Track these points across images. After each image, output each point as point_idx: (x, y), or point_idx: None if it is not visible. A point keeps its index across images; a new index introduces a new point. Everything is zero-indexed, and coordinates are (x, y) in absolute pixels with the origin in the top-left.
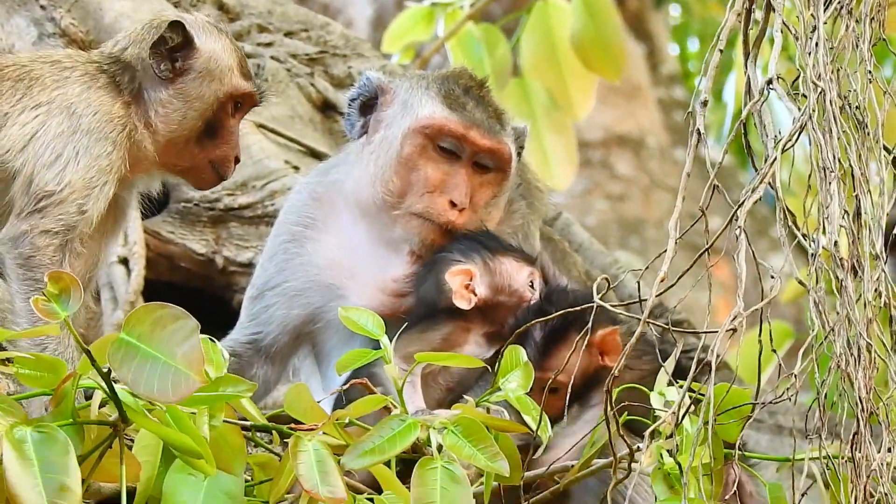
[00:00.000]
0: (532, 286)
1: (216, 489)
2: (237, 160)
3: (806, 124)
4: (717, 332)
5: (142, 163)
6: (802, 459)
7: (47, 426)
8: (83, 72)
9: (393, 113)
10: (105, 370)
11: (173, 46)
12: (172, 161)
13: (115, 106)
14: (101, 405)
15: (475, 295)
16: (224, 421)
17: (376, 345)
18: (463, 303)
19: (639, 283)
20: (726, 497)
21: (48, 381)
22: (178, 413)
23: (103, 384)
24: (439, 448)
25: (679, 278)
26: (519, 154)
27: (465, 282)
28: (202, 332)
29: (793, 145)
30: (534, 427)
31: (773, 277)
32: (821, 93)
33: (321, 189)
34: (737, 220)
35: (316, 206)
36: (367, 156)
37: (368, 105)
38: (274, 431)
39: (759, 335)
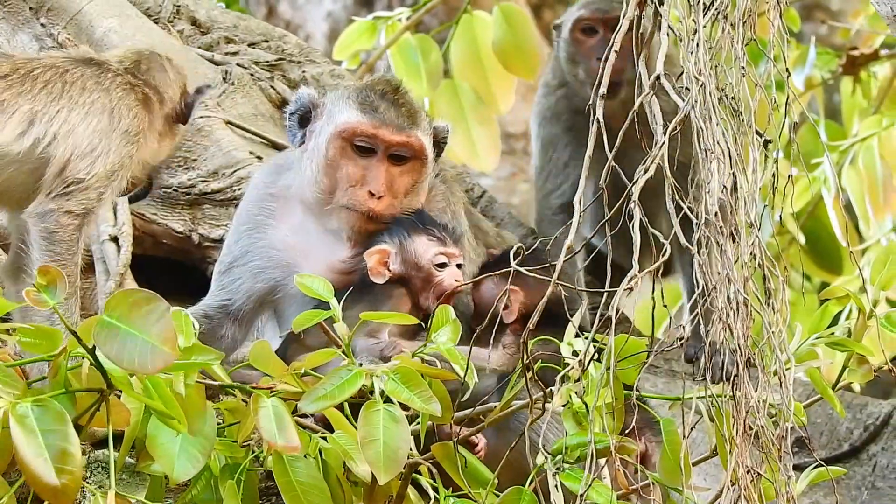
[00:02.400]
0: (441, 265)
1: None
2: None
3: (689, 113)
4: (616, 290)
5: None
6: (691, 398)
7: (45, 399)
8: (124, 80)
9: (321, 123)
10: (91, 347)
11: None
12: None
13: (144, 118)
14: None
15: (389, 271)
16: (197, 382)
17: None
18: (378, 278)
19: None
20: (625, 431)
21: (46, 348)
22: (156, 380)
23: (90, 358)
24: (382, 393)
25: (582, 245)
26: (441, 147)
27: (383, 259)
28: (183, 297)
29: (677, 131)
30: (461, 374)
31: (663, 244)
32: (701, 86)
33: (275, 189)
34: (632, 195)
35: (272, 200)
36: (306, 162)
37: (305, 118)
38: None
39: (653, 293)
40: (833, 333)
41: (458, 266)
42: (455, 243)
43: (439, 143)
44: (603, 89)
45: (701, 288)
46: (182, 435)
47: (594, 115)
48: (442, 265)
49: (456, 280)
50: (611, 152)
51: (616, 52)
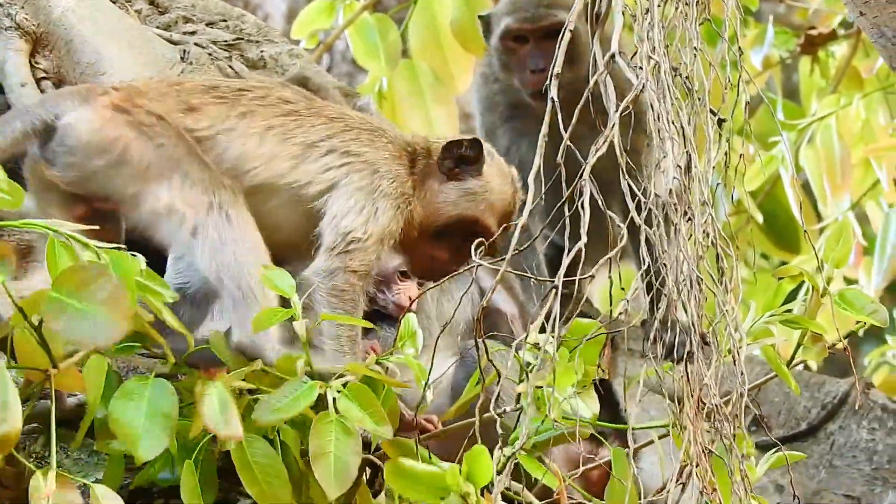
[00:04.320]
0: (404, 273)
1: (155, 410)
2: (435, 275)
3: (640, 92)
4: (575, 278)
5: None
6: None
7: None
8: (391, 141)
9: None
10: (37, 322)
11: (464, 156)
12: (407, 239)
13: (406, 182)
14: None
15: None
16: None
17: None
18: None
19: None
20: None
21: None
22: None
23: (35, 336)
24: (335, 405)
25: (542, 230)
26: None
27: None
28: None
29: (628, 111)
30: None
31: (619, 226)
32: (655, 65)
33: None
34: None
35: None
36: None
37: None
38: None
39: (609, 274)
40: (789, 311)
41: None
42: None
43: None
44: (557, 69)
45: (652, 267)
46: (146, 414)
47: (549, 94)
48: (405, 275)
49: (410, 297)
50: (566, 132)
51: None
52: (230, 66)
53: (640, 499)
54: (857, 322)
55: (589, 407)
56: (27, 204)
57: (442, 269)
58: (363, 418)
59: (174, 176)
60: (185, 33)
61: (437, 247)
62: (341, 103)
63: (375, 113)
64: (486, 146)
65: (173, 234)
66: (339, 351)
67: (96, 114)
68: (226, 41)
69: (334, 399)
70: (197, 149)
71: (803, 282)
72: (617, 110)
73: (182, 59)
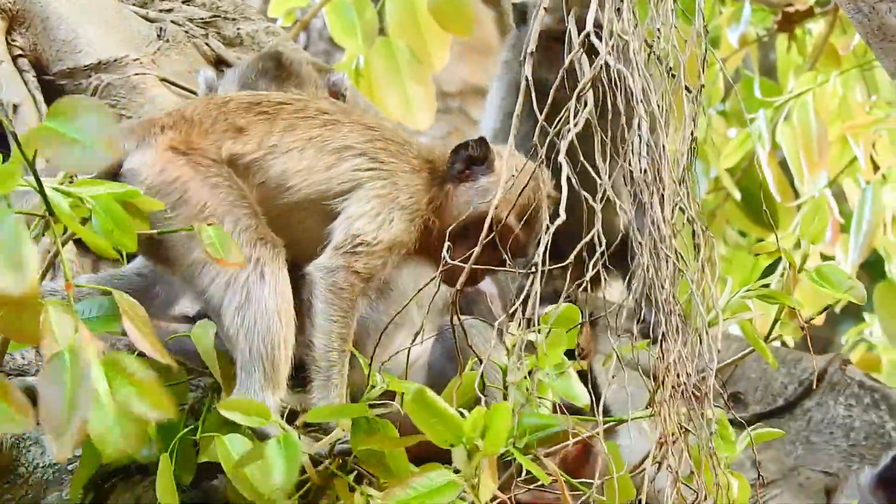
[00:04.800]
0: None
1: None
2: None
3: (601, 70)
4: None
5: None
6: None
7: None
8: (416, 155)
9: None
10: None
11: (473, 157)
12: (429, 247)
13: (424, 196)
14: None
15: None
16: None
17: None
18: None
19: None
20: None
21: None
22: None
23: (34, 176)
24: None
25: (518, 197)
26: (342, 99)
27: None
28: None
29: (590, 88)
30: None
31: (592, 202)
32: (626, 43)
33: None
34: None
35: None
36: None
37: None
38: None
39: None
40: (766, 286)
41: None
42: None
43: (341, 98)
44: (532, 47)
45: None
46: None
47: (523, 74)
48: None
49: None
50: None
51: None
52: (207, 44)
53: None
54: (839, 304)
55: (580, 395)
56: None
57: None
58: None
59: (226, 220)
60: (161, 11)
61: (459, 251)
62: (315, 80)
63: (350, 89)
64: (496, 147)
65: (211, 281)
66: (328, 347)
67: (157, 156)
68: (202, 18)
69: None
70: (247, 193)
71: (780, 258)
72: (585, 87)
73: (158, 36)
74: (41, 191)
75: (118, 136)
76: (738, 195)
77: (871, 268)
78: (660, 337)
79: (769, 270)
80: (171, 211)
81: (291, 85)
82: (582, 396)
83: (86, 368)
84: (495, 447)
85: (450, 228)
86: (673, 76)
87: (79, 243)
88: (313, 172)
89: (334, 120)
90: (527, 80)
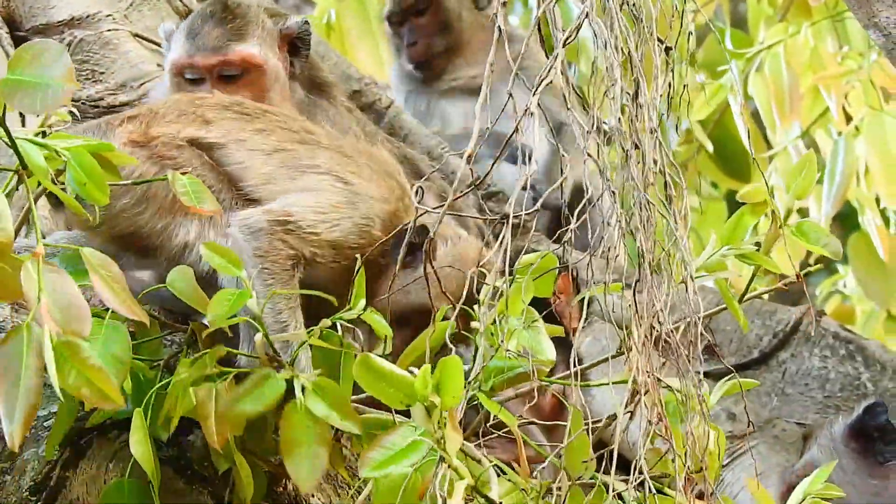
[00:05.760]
0: None
1: (107, 353)
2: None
3: (583, 20)
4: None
5: None
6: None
7: None
8: (391, 189)
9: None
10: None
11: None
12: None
13: (380, 229)
14: None
15: None
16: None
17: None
18: None
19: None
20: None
21: None
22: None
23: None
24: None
25: (494, 163)
26: (304, 43)
27: None
28: None
29: (574, 38)
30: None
31: (565, 154)
32: None
33: None
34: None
35: None
36: None
37: None
38: None
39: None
40: (757, 244)
41: None
42: None
43: (297, 41)
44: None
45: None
46: (97, 356)
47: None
48: None
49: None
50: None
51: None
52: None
53: (590, 433)
54: (815, 256)
55: (546, 349)
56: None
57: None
58: (330, 415)
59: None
60: None
61: (398, 332)
62: (263, 23)
63: (314, 36)
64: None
65: (199, 259)
66: (276, 310)
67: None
68: None
69: (303, 389)
70: (224, 175)
71: (762, 212)
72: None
73: None
74: (13, 145)
75: (73, 74)
76: (710, 147)
77: (844, 219)
78: (633, 285)
79: (744, 224)
80: (138, 207)
81: (236, 28)
82: (548, 351)
83: (38, 351)
84: (453, 400)
85: (392, 314)
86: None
87: (53, 197)
88: (273, 180)
89: (314, 140)
90: (499, 29)
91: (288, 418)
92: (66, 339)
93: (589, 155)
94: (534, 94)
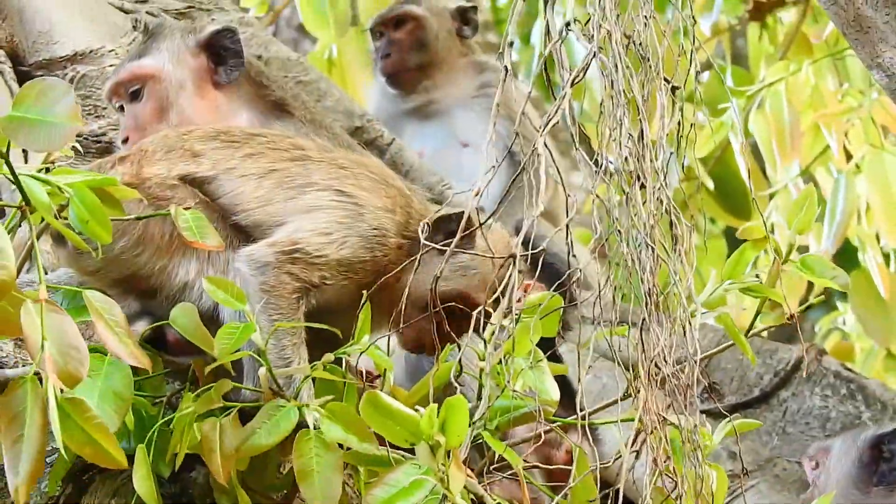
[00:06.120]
0: None
1: (108, 389)
2: (423, 346)
3: (591, 60)
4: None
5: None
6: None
7: None
8: (397, 195)
9: None
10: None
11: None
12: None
13: (391, 238)
14: None
15: None
16: None
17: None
18: None
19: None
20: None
21: None
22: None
23: (9, 167)
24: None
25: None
26: (223, 57)
27: None
28: None
29: (582, 78)
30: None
31: (568, 196)
32: (608, 33)
33: None
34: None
35: None
36: None
37: None
38: None
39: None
40: (757, 277)
41: None
42: None
43: (220, 50)
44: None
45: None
46: (98, 393)
47: (503, 62)
48: None
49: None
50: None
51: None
52: None
53: (597, 480)
54: (815, 290)
55: (551, 389)
56: None
57: (430, 341)
58: (347, 439)
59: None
60: (137, 2)
61: (426, 318)
62: (178, 31)
63: (314, 72)
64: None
65: (200, 295)
66: (280, 345)
67: None
68: (177, 10)
69: (315, 420)
70: (218, 209)
71: (763, 247)
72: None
73: (134, 27)
74: (16, 181)
75: (79, 113)
76: (710, 184)
77: (842, 257)
78: (640, 325)
79: (745, 260)
80: (135, 248)
81: (142, 49)
82: (552, 391)
83: (42, 407)
84: (457, 440)
85: (426, 300)
86: (651, 66)
87: (55, 233)
88: (270, 203)
89: (305, 156)
90: (506, 69)
91: (300, 448)
92: (71, 397)
93: (597, 196)
94: (541, 135)
